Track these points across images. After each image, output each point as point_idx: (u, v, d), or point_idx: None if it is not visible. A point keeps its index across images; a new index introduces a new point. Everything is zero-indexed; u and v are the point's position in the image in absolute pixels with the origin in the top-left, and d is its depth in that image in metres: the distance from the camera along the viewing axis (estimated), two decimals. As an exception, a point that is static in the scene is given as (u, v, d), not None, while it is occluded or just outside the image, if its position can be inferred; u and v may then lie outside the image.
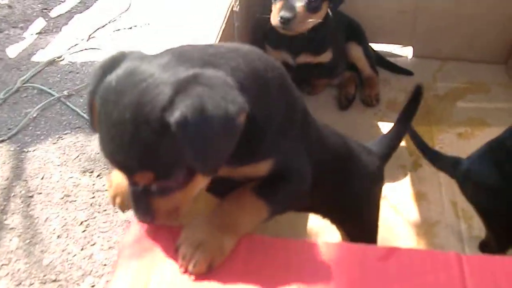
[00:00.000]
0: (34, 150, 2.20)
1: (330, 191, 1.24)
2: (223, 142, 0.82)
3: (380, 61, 2.11)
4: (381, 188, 1.46)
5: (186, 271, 0.87)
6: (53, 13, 3.03)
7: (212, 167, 0.84)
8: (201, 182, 0.91)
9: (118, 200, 1.00)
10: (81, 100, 2.42)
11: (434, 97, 2.02)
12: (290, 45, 1.83)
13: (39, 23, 2.95)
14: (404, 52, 2.22)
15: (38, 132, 2.28)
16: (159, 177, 0.85)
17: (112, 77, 0.84)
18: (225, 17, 1.56)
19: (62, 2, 3.13)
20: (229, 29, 1.58)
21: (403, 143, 1.77)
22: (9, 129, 2.30)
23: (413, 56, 2.19)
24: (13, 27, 2.92)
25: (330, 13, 1.77)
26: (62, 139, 2.25)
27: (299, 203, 1.16)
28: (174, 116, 0.77)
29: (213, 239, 0.90)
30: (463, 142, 1.85)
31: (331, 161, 1.19)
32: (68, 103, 2.39)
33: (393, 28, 2.10)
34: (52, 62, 2.66)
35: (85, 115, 2.31)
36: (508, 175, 1.32)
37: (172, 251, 0.89)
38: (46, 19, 2.98)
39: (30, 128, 2.30)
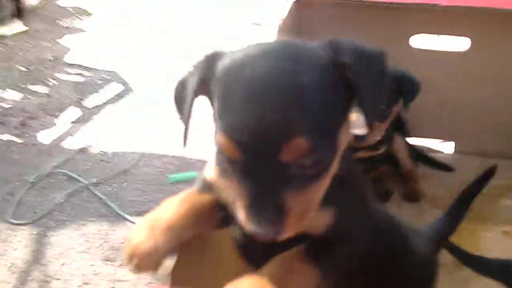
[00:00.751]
0: (57, 235, 2.15)
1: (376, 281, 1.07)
2: (386, 77, 0.80)
3: (419, 156, 2.03)
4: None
5: None
6: (88, 103, 3.07)
7: (378, 108, 0.82)
8: (334, 170, 0.80)
9: (134, 261, 0.90)
10: (109, 189, 2.40)
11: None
12: None
13: (74, 112, 2.99)
14: (445, 147, 2.14)
15: (63, 218, 2.25)
16: (315, 148, 0.71)
17: (236, 56, 0.77)
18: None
19: (97, 92, 3.18)
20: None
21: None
22: (35, 212, 2.27)
23: (454, 151, 2.11)
24: (49, 114, 2.95)
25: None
26: (86, 226, 2.21)
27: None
28: (352, 53, 0.76)
29: None
30: (510, 241, 1.73)
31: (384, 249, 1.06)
32: (96, 191, 2.37)
33: (432, 121, 2.04)
34: (83, 150, 2.66)
35: (111, 204, 2.26)
36: None
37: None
38: (82, 109, 3.02)
39: (56, 213, 2.27)
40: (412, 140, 2.05)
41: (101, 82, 3.29)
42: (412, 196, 1.88)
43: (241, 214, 0.76)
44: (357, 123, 1.57)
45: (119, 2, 4.38)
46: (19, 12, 3.88)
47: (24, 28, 3.84)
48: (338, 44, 0.79)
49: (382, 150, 1.80)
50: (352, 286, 0.95)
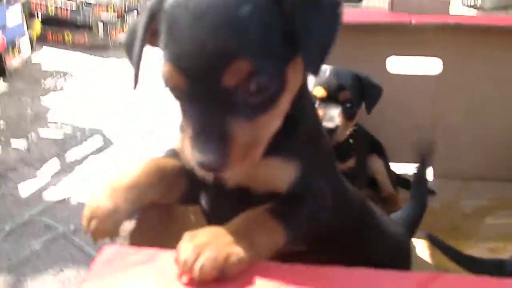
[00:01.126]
0: (33, 283, 2.09)
1: (343, 253, 1.02)
2: (337, 27, 0.76)
3: (400, 181, 2.01)
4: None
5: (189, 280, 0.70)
6: (68, 156, 3.06)
7: (323, 59, 0.75)
8: (284, 107, 0.80)
9: (93, 223, 0.84)
10: (87, 236, 2.34)
11: (461, 215, 1.89)
12: None
13: (54, 164, 2.96)
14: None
15: (40, 265, 2.19)
16: (257, 71, 0.72)
17: None
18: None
19: (78, 146, 3.17)
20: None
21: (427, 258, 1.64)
22: (10, 260, 2.21)
23: (434, 176, 2.09)
24: (28, 166, 2.93)
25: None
26: (63, 271, 2.15)
27: (317, 234, 0.93)
28: None
29: (224, 245, 0.73)
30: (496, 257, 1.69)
31: (352, 221, 1.06)
32: (73, 238, 2.32)
33: (409, 145, 2.03)
34: (62, 200, 2.63)
35: (89, 250, 2.22)
36: None
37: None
38: (61, 161, 3.00)
39: (32, 260, 2.21)
40: (392, 165, 2.04)
41: (80, 136, 3.29)
42: (395, 220, 1.85)
43: (187, 146, 0.75)
44: (325, 117, 1.58)
45: (98, 64, 4.44)
46: (1, 72, 3.92)
47: (6, 86, 3.86)
48: None
49: (350, 163, 1.78)
50: (319, 253, 0.91)
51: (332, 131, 1.59)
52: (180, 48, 0.74)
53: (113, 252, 0.78)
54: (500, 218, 1.87)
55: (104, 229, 0.83)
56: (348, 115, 1.64)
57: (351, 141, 1.72)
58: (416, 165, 1.59)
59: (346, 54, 1.82)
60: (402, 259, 1.31)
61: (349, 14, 2.03)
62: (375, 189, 1.92)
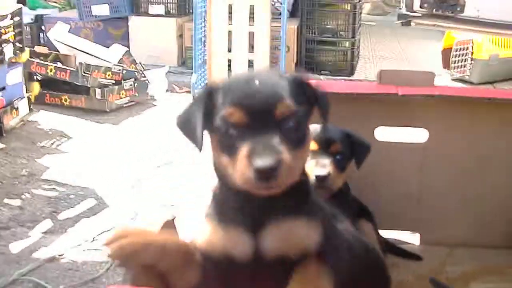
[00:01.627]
0: None
1: None
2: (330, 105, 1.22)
3: (388, 247, 2.05)
4: None
5: None
6: (61, 216, 3.08)
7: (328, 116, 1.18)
8: (308, 150, 1.16)
9: (124, 241, 0.98)
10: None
11: (446, 280, 1.93)
12: None
13: (46, 224, 2.98)
14: (412, 239, 2.17)
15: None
16: (296, 111, 1.06)
17: (230, 77, 1.19)
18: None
19: (71, 207, 3.19)
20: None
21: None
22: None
23: (420, 242, 2.14)
24: (20, 225, 2.95)
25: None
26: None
27: None
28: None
29: None
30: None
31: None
32: (63, 298, 2.32)
33: (398, 213, 2.09)
34: (53, 259, 2.63)
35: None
36: None
37: None
38: (54, 221, 3.02)
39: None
40: (381, 232, 2.09)
41: (74, 196, 3.32)
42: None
43: (241, 165, 1.01)
44: (317, 164, 1.64)
45: (94, 127, 4.51)
46: (-1, 132, 3.99)
47: (2, 145, 3.91)
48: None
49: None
50: None
51: (324, 178, 1.66)
52: (240, 96, 1.07)
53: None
54: (485, 283, 1.91)
55: (128, 251, 0.90)
56: (339, 166, 1.72)
57: None
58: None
59: (336, 123, 1.91)
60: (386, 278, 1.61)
61: (340, 85, 2.14)
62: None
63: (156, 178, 3.58)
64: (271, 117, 1.03)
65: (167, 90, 5.37)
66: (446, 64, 5.90)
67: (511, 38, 5.27)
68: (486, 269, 1.99)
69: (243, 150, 1.01)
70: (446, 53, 5.88)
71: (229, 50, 5.07)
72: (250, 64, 5.08)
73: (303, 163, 1.13)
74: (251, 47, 5.08)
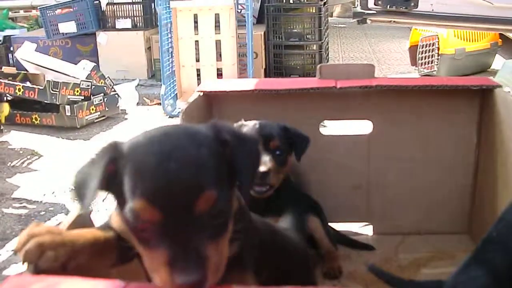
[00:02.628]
0: None
1: None
2: (259, 157, 1.11)
3: (341, 239, 2.09)
4: None
5: None
6: (30, 233, 3.07)
7: (252, 183, 1.06)
8: (231, 227, 0.98)
9: (40, 238, 0.95)
10: None
11: (397, 267, 1.96)
12: (254, 210, 1.84)
13: (17, 241, 2.97)
14: (365, 230, 2.20)
15: None
16: (219, 199, 0.90)
17: (140, 139, 0.96)
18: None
19: (43, 222, 3.20)
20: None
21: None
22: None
23: (374, 233, 2.17)
24: (-10, 245, 2.95)
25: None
26: None
27: None
28: (230, 134, 0.98)
29: None
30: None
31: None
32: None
33: (349, 205, 2.12)
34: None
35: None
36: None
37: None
38: (23, 237, 3.01)
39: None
40: (334, 225, 2.12)
41: (44, 213, 3.32)
42: (332, 274, 1.91)
43: (161, 274, 0.87)
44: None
45: (65, 144, 4.52)
46: (-32, 153, 3.99)
47: (-29, 167, 3.92)
48: (219, 126, 1.01)
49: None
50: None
51: (265, 174, 1.70)
52: (154, 187, 0.88)
53: (18, 281, 0.85)
54: (435, 268, 1.95)
55: (38, 250, 0.93)
56: (279, 161, 1.76)
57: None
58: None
59: (281, 119, 1.95)
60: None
61: (280, 82, 2.18)
62: (314, 247, 1.99)
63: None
64: (192, 211, 0.88)
65: (138, 103, 5.39)
66: (414, 61, 5.95)
67: (467, 30, 5.35)
68: (437, 255, 2.03)
69: (161, 256, 0.88)
70: (413, 50, 5.94)
71: (197, 60, 5.10)
72: (219, 72, 5.11)
73: (227, 245, 0.97)
74: (219, 56, 5.11)
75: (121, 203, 0.93)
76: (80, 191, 0.98)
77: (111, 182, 0.95)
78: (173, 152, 0.90)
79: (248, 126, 1.78)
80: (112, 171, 0.94)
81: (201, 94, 1.94)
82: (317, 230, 1.97)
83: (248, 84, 2.03)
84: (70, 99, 4.72)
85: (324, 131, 2.06)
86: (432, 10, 3.49)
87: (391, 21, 3.53)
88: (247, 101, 2.02)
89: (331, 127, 2.10)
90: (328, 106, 2.03)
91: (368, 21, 3.48)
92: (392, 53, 7.10)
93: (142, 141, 0.95)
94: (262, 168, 1.70)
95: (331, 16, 9.66)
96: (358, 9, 3.47)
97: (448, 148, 2.02)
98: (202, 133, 0.98)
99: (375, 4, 3.40)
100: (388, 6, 3.38)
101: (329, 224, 2.10)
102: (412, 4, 3.43)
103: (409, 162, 2.05)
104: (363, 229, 2.21)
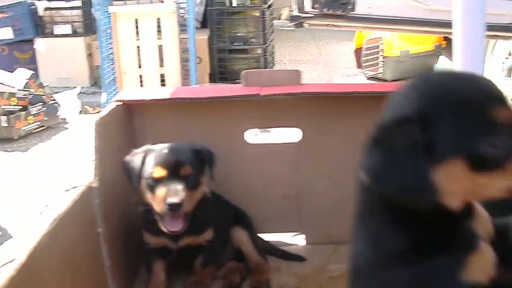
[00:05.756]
0: None
1: None
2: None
3: (271, 250, 2.02)
4: None
5: None
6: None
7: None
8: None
9: None
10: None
11: (329, 279, 1.91)
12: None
13: None
14: (297, 240, 2.14)
15: None
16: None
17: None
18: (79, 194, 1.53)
19: None
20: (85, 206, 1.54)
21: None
22: None
23: (306, 243, 2.12)
24: None
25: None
26: None
27: None
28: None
29: None
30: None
31: None
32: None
33: (279, 215, 2.05)
34: None
35: None
36: None
37: None
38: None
39: None
40: (265, 236, 2.06)
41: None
42: (259, 286, 1.84)
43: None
44: (169, 193, 1.66)
45: (1, 154, 4.37)
46: None
47: None
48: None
49: (208, 235, 1.80)
50: None
51: (178, 205, 1.62)
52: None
53: None
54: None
55: None
56: (192, 186, 1.68)
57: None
58: None
59: (202, 129, 1.87)
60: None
61: (204, 90, 2.11)
62: (242, 260, 1.93)
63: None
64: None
65: (80, 111, 5.24)
66: (360, 64, 5.98)
67: (405, 33, 5.38)
68: (369, 264, 1.98)
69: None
70: (359, 53, 5.96)
71: (140, 66, 4.99)
72: (162, 78, 5.01)
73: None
74: (162, 61, 5.01)
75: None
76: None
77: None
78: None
79: (155, 151, 1.71)
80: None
81: (119, 104, 1.84)
82: (244, 243, 1.91)
83: (170, 92, 1.95)
84: (6, 109, 4.56)
85: (250, 140, 1.99)
86: (370, 13, 3.47)
87: (328, 24, 3.49)
88: (169, 110, 1.94)
89: (259, 136, 2.03)
90: (253, 114, 1.95)
91: (305, 25, 3.43)
92: (339, 56, 7.11)
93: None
94: (174, 200, 1.62)
95: (279, 19, 9.63)
96: (295, 12, 3.41)
97: (377, 154, 1.97)
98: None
99: (312, 8, 3.35)
100: (325, 10, 3.34)
101: (260, 235, 2.04)
102: (349, 7, 3.39)
103: (339, 170, 1.98)
104: (295, 239, 2.14)
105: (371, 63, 5.83)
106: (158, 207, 1.67)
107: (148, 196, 1.70)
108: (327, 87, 2.05)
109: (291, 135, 2.04)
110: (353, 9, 3.42)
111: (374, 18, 3.51)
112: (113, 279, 1.67)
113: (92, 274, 1.62)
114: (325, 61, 6.90)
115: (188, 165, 1.68)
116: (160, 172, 1.67)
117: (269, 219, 2.05)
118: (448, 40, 6.29)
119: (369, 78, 5.86)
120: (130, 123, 1.93)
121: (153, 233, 1.80)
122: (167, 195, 1.63)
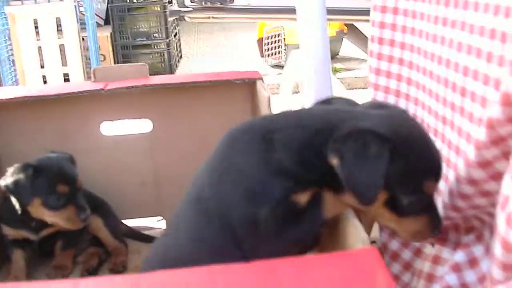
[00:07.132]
0: None
1: None
2: None
3: (133, 234, 2.16)
4: None
5: None
6: None
7: None
8: None
9: None
10: None
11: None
12: (31, 222, 1.87)
13: None
14: (160, 224, 2.28)
15: None
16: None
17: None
18: None
19: None
20: None
21: None
22: None
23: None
24: None
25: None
26: None
27: None
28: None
29: None
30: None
31: None
32: None
33: (138, 202, 2.19)
34: None
35: None
36: None
37: None
38: None
39: None
40: (129, 221, 2.19)
41: None
42: (115, 269, 1.97)
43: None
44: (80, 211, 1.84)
45: None
46: None
47: None
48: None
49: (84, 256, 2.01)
50: None
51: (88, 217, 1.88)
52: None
53: None
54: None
55: None
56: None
57: None
58: None
59: (57, 126, 1.98)
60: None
61: (50, 89, 2.20)
62: (102, 246, 2.05)
63: None
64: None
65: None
66: (262, 53, 6.15)
67: (285, 22, 5.58)
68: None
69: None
70: (261, 42, 6.13)
71: (42, 66, 5.00)
72: (66, 77, 5.05)
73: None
74: (65, 60, 5.04)
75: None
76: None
77: None
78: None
79: (42, 166, 1.82)
80: None
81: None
82: (99, 230, 2.03)
83: (28, 91, 2.05)
84: None
85: (106, 132, 2.11)
86: (249, 4, 3.63)
87: (209, 17, 3.63)
88: (28, 109, 2.03)
89: (115, 128, 2.16)
90: (105, 108, 2.07)
91: (186, 18, 3.57)
92: (246, 46, 7.27)
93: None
94: (87, 214, 1.88)
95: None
96: (175, 7, 3.54)
97: (219, 138, 2.13)
98: None
99: (191, 1, 3.49)
100: (203, 3, 3.47)
101: (123, 221, 2.17)
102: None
103: (186, 156, 2.12)
104: (158, 224, 2.28)
105: (273, 51, 6.02)
106: (68, 224, 1.84)
107: (48, 214, 1.82)
108: (169, 78, 2.20)
109: (145, 125, 2.18)
110: (232, 1, 3.58)
111: (254, 8, 3.68)
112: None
113: None
114: (232, 51, 7.04)
115: (78, 176, 1.87)
116: (64, 188, 1.80)
117: (129, 206, 2.17)
118: (349, 26, 6.54)
119: (273, 66, 6.04)
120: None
121: (12, 226, 1.91)
122: (79, 212, 1.84)
